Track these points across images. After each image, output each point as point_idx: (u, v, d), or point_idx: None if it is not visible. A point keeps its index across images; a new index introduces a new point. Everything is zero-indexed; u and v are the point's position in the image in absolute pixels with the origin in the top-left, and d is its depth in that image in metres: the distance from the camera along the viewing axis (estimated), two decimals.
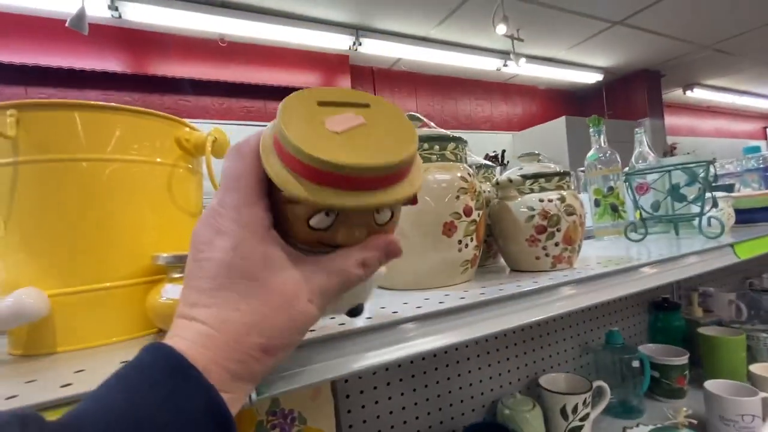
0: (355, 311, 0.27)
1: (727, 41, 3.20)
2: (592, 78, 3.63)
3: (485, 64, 3.08)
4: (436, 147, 0.45)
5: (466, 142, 0.49)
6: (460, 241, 0.44)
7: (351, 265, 0.22)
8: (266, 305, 0.20)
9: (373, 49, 2.68)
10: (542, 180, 0.50)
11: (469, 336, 0.35)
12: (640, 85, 3.76)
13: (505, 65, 3.07)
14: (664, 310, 1.01)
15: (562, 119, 3.23)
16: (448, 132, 0.48)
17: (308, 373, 0.28)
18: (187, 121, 0.41)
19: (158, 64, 2.39)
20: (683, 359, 0.85)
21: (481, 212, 0.47)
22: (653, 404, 0.86)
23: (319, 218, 0.20)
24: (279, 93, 2.72)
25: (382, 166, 0.19)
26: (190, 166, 0.42)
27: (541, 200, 0.49)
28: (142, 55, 2.35)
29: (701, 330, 0.90)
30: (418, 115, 0.51)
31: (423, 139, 0.45)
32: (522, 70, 3.09)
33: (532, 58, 3.09)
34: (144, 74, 2.34)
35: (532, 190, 0.50)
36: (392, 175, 0.20)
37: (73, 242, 0.34)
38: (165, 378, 0.18)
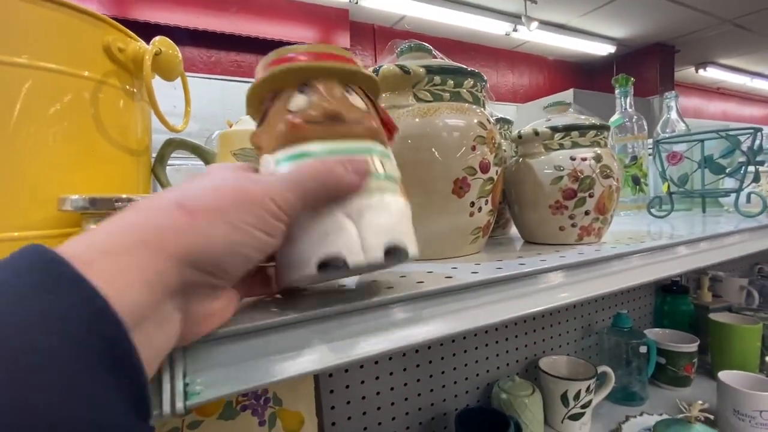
0: (330, 263, 0.19)
1: (749, 16, 3.03)
2: (604, 50, 3.46)
3: (494, 27, 2.89)
4: (450, 82, 0.36)
5: (485, 80, 0.39)
6: (472, 203, 0.36)
7: (333, 163, 0.19)
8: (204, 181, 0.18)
9: (376, 2, 2.48)
10: (575, 133, 0.41)
11: (484, 321, 0.27)
12: (652, 60, 3.59)
13: (515, 30, 2.89)
14: (673, 294, 0.95)
15: (570, 92, 3.08)
16: (465, 66, 0.38)
17: (267, 366, 0.20)
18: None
19: (141, 8, 2.19)
20: (692, 346, 0.79)
21: (499, 170, 0.38)
22: (656, 391, 0.81)
23: (296, 99, 0.21)
24: (272, 47, 2.52)
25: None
26: (128, 87, 0.32)
27: (573, 158, 0.40)
28: None
29: (713, 316, 0.84)
30: (428, 46, 0.41)
31: (434, 70, 0.35)
32: (532, 36, 2.91)
33: (544, 24, 2.90)
34: (125, 18, 2.14)
35: (561, 146, 0.41)
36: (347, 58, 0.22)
37: None
38: (20, 278, 0.12)
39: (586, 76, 4.05)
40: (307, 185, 0.18)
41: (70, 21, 0.28)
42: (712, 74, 4.16)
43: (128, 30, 0.31)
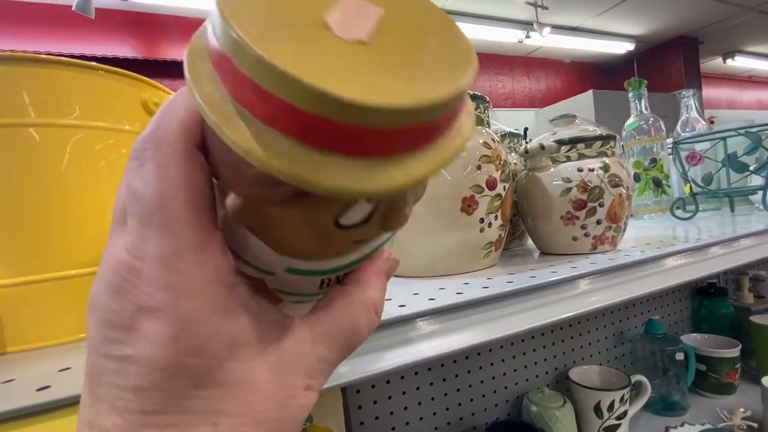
0: None
1: None
2: (623, 48, 3.39)
3: (506, 36, 2.90)
4: None
5: (488, 102, 0.41)
6: (482, 220, 0.37)
7: (362, 316, 0.14)
8: (244, 424, 0.12)
9: None
10: (581, 145, 0.42)
11: (494, 335, 0.28)
12: (675, 54, 3.49)
13: (527, 36, 2.89)
14: (710, 296, 0.91)
15: (590, 93, 3.03)
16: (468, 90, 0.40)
17: None
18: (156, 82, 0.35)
19: (169, 47, 2.35)
20: (734, 351, 0.76)
21: (507, 185, 0.39)
22: (698, 400, 0.77)
23: (350, 212, 0.11)
24: None
25: (448, 98, 0.09)
26: None
27: (580, 170, 0.41)
28: (152, 39, 2.32)
29: (754, 318, 0.80)
30: None
31: None
32: (545, 41, 2.90)
33: (557, 28, 2.89)
34: (155, 59, 2.31)
35: (568, 158, 0.42)
36: (449, 115, 0.11)
37: (22, 224, 0.29)
38: None
39: (606, 76, 3.97)
40: (340, 358, 0.15)
41: (113, 84, 0.32)
42: (741, 63, 3.99)
43: (162, 85, 0.35)
